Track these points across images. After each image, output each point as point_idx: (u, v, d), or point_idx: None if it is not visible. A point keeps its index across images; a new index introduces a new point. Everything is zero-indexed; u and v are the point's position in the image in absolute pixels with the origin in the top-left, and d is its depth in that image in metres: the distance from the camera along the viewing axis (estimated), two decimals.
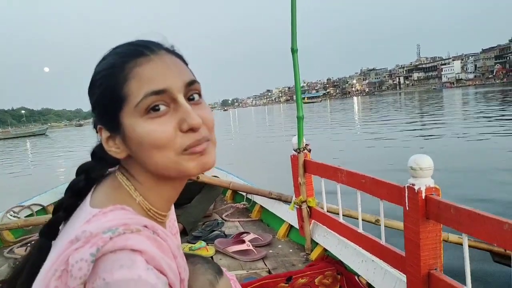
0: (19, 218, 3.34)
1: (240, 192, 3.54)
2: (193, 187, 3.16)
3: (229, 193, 3.82)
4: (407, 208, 1.35)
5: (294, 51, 2.15)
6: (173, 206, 0.93)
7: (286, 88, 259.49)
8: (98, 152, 0.71)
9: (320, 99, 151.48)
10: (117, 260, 0.55)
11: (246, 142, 15.84)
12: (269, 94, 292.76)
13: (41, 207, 3.60)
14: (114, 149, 0.66)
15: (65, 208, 0.70)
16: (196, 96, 0.66)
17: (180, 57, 0.69)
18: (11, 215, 3.29)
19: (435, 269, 1.32)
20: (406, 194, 1.34)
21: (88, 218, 0.60)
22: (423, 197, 1.28)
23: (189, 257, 0.92)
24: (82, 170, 0.71)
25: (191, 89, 0.65)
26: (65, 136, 41.47)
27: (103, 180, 0.70)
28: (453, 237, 2.16)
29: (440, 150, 8.13)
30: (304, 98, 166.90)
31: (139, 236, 0.59)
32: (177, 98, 0.62)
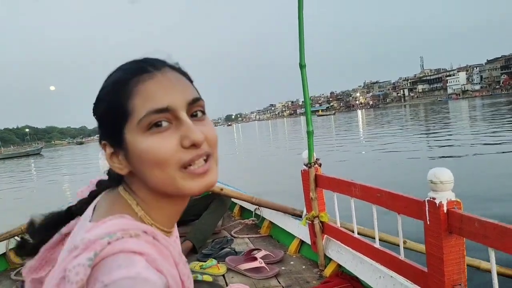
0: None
1: (248, 208, 3.49)
2: (201, 203, 3.12)
3: (236, 209, 3.77)
4: (428, 223, 1.31)
5: (302, 66, 2.14)
6: (176, 227, 0.91)
7: (290, 103, 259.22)
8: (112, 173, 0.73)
9: (334, 111, 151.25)
10: (115, 261, 0.54)
11: (252, 157, 15.80)
12: (273, 108, 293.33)
13: None
14: (117, 165, 0.66)
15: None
16: (199, 113, 0.66)
17: (184, 74, 0.69)
18: (18, 237, 3.25)
19: (459, 284, 1.27)
20: (427, 208, 1.30)
21: (88, 229, 0.60)
22: (445, 211, 1.24)
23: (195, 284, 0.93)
24: (99, 185, 0.76)
25: (194, 106, 0.65)
26: (61, 155, 40.46)
27: (106, 197, 0.71)
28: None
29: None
30: (318, 110, 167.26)
31: (138, 240, 0.59)
32: (180, 115, 0.62)
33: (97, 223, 0.61)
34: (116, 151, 0.66)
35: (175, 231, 0.86)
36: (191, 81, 0.70)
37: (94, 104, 0.67)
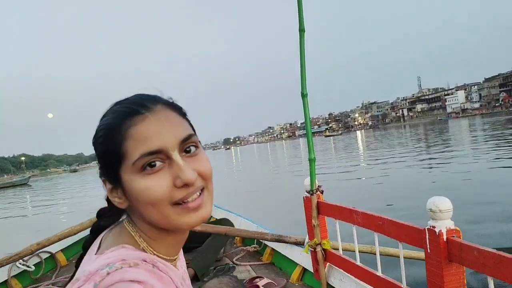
0: (28, 266, 3.31)
1: None
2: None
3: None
4: (429, 251, 1.32)
5: (304, 95, 2.16)
6: (181, 252, 0.93)
7: (288, 125, 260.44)
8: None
9: (340, 132, 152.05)
10: None
11: (252, 182, 15.74)
12: (271, 131, 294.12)
13: (50, 254, 3.58)
14: (117, 200, 0.69)
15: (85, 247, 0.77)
16: (192, 148, 0.68)
17: (177, 109, 0.72)
18: (20, 264, 3.25)
19: None
20: (427, 237, 1.32)
21: (92, 261, 0.64)
22: (445, 240, 1.26)
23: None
24: (99, 214, 0.79)
25: (187, 143, 0.67)
26: (51, 186, 37.46)
27: (113, 230, 0.74)
28: None
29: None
30: (325, 131, 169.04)
31: (137, 269, 0.61)
32: (171, 156, 0.65)
33: (99, 256, 0.64)
34: (115, 187, 0.69)
35: (181, 255, 0.88)
36: (184, 114, 0.73)
37: (93, 142, 0.70)
